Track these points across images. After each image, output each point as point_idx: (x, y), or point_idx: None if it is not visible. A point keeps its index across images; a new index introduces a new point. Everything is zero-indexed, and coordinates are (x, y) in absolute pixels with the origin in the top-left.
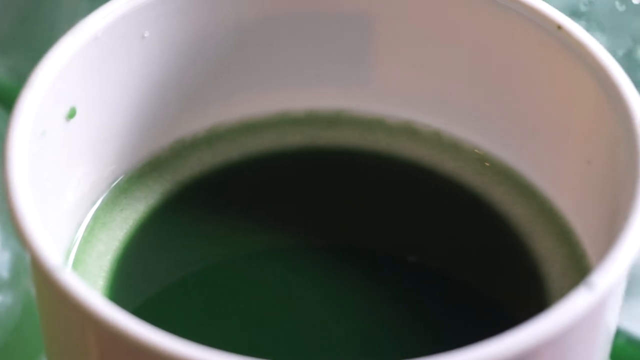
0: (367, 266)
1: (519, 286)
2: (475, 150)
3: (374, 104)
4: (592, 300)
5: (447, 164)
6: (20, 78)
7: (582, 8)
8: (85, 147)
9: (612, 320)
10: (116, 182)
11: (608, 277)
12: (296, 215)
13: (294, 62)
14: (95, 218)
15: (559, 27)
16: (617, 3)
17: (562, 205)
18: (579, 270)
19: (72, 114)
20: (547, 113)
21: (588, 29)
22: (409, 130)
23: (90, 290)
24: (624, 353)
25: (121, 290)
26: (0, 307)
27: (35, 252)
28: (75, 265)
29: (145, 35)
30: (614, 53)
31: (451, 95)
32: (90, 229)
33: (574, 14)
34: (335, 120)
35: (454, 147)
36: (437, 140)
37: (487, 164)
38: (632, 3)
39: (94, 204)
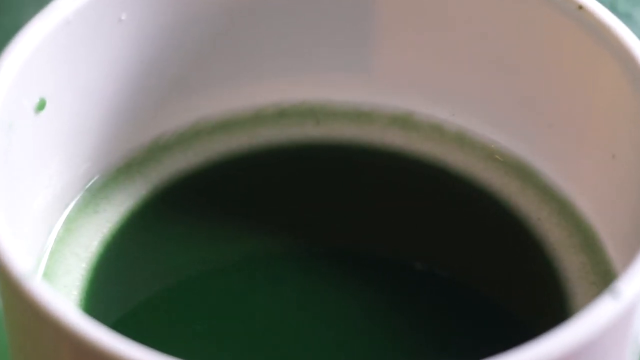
0: (369, 270)
1: (537, 293)
2: (487, 143)
3: (374, 93)
4: (618, 309)
5: (453, 157)
6: None
7: None
8: (57, 143)
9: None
10: (91, 182)
11: (635, 284)
12: (287, 216)
13: (286, 49)
14: (68, 221)
15: (580, 7)
16: None
17: (583, 204)
18: (602, 275)
19: (41, 105)
20: (566, 102)
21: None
22: (414, 122)
23: (63, 300)
24: None
25: (97, 301)
26: None
27: (2, 259)
28: (47, 274)
29: (122, 18)
30: None
31: (459, 84)
32: (63, 234)
33: None
34: (331, 111)
35: (462, 140)
36: (445, 132)
37: (498, 158)
38: None
39: (66, 206)
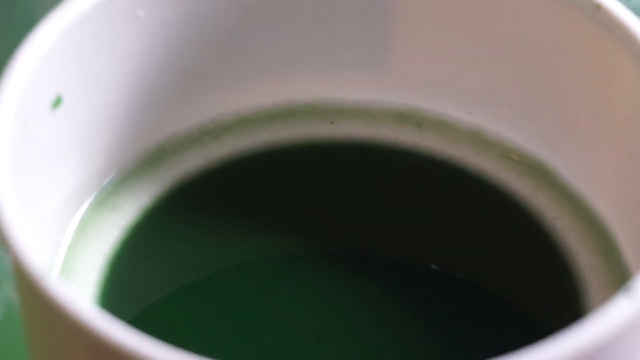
0: (382, 270)
1: (552, 294)
2: (503, 143)
3: (389, 92)
4: (634, 309)
5: (469, 157)
6: (1, 66)
7: None
8: (73, 140)
9: None
10: (107, 180)
11: None
12: (302, 215)
13: (302, 48)
14: (85, 219)
15: (598, 7)
16: None
17: (599, 204)
18: (617, 277)
19: (57, 102)
20: (583, 101)
21: None
22: (430, 121)
23: (79, 297)
24: None
25: (114, 298)
26: None
27: (19, 256)
28: (64, 271)
29: (140, 15)
30: None
31: (476, 83)
32: (79, 231)
33: None
34: (346, 110)
35: (478, 138)
36: (461, 131)
37: (514, 157)
38: None
39: (83, 203)
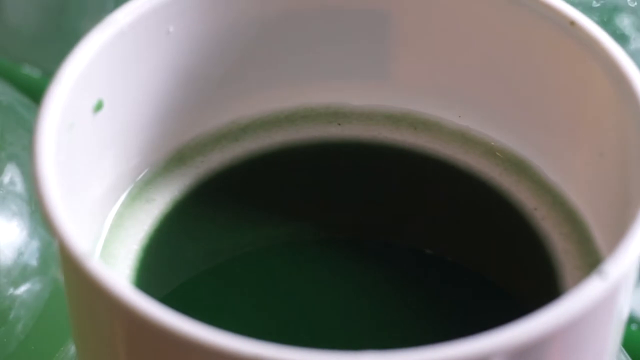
0: (382, 255)
1: (531, 276)
2: (489, 142)
3: (390, 97)
4: (605, 288)
5: (459, 155)
6: (49, 73)
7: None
8: (111, 140)
9: (624, 308)
10: (141, 175)
11: (620, 266)
12: (313, 208)
13: (312, 58)
14: (122, 209)
15: (572, 23)
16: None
17: (574, 196)
18: (589, 261)
19: (99, 106)
20: (560, 107)
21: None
22: (425, 123)
23: (117, 277)
24: (636, 339)
25: (147, 279)
26: (29, 293)
27: (63, 240)
28: (103, 256)
29: (170, 30)
30: None
31: (466, 89)
32: (117, 220)
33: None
34: (352, 114)
35: (467, 138)
36: (452, 132)
37: (498, 155)
38: None
39: (120, 196)
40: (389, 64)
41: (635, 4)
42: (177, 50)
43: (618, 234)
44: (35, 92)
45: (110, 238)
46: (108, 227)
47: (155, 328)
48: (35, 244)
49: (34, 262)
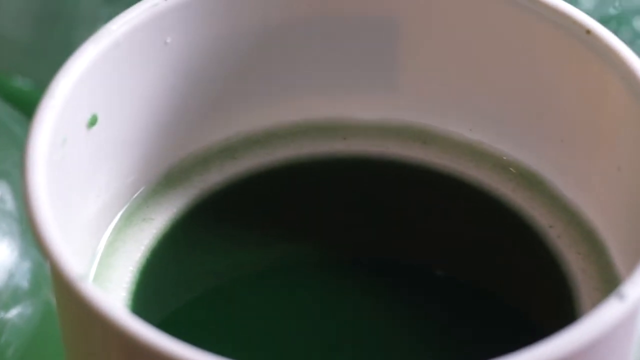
0: (391, 276)
1: (547, 298)
2: (501, 157)
3: (398, 111)
4: (624, 311)
5: (470, 170)
6: (41, 86)
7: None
8: (107, 156)
9: None
10: (138, 192)
11: (639, 287)
12: (317, 225)
13: (317, 70)
14: (117, 229)
15: (588, 32)
16: None
17: (590, 213)
18: (607, 281)
19: (93, 121)
20: (576, 119)
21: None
22: (435, 137)
23: (112, 301)
24: None
25: (144, 301)
26: (19, 317)
27: (56, 262)
28: (97, 277)
29: (167, 41)
30: None
31: (478, 103)
32: (112, 240)
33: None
34: (357, 127)
35: (478, 153)
36: (463, 146)
37: (511, 170)
38: None
39: (115, 214)
40: (396, 75)
41: None
42: (175, 62)
43: (637, 253)
44: (26, 105)
45: (106, 259)
46: (103, 248)
47: (152, 354)
48: (26, 265)
49: (25, 284)
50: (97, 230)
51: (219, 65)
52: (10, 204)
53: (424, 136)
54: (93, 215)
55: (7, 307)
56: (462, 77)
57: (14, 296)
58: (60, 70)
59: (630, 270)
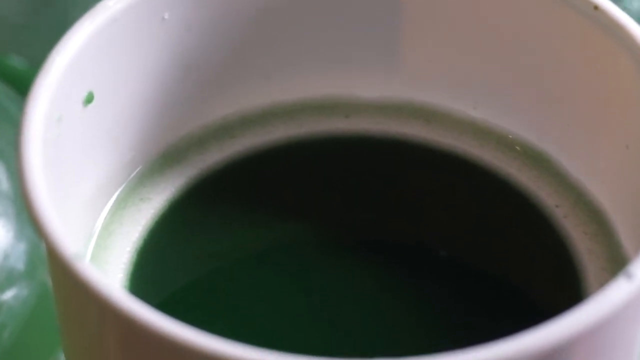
0: (394, 255)
1: (553, 278)
2: (506, 135)
3: (400, 88)
4: (632, 290)
5: (474, 148)
6: (36, 65)
7: None
8: (103, 134)
9: None
10: (135, 171)
11: None
12: (317, 204)
13: (318, 47)
14: (114, 208)
15: (596, 8)
16: None
17: (598, 193)
18: (614, 261)
19: (89, 99)
20: (583, 96)
21: None
22: (438, 115)
23: (109, 281)
24: None
25: (141, 282)
26: (15, 299)
27: (52, 241)
28: (94, 257)
29: (165, 17)
30: None
31: (482, 79)
32: (109, 220)
33: None
34: (359, 105)
35: (483, 131)
36: (466, 124)
37: (517, 148)
38: None
39: (112, 194)
40: (399, 52)
41: None
42: (173, 38)
43: None
44: (21, 84)
45: (102, 240)
46: (100, 228)
47: (149, 334)
48: (22, 246)
49: (20, 266)
50: (93, 210)
51: (218, 41)
52: (4, 183)
53: (426, 114)
54: (89, 195)
55: (2, 288)
56: (466, 54)
57: (9, 278)
58: (56, 46)
59: (638, 249)
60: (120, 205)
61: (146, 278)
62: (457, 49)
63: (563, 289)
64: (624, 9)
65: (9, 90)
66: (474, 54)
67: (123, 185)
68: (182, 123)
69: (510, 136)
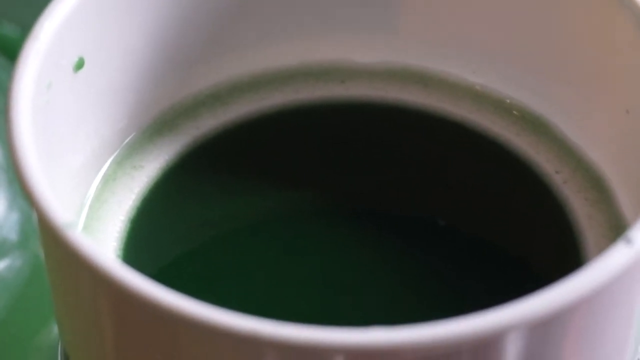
0: (391, 222)
1: (553, 245)
2: (504, 100)
3: (398, 53)
4: (632, 256)
5: (473, 113)
6: (26, 30)
7: None
8: (95, 101)
9: None
10: (128, 139)
11: None
12: (314, 171)
13: (312, 11)
14: (107, 177)
15: None
16: None
17: (599, 158)
18: (616, 228)
19: (79, 64)
20: (582, 60)
21: None
22: (435, 80)
23: (101, 250)
24: None
25: (135, 251)
26: (8, 270)
27: (42, 210)
28: (87, 226)
29: None
30: None
31: (479, 44)
32: (102, 189)
33: None
34: (356, 70)
35: (481, 96)
36: (464, 89)
37: (515, 113)
38: None
39: (104, 162)
40: (397, 16)
41: None
42: (165, 2)
43: None
44: (13, 52)
45: (95, 208)
46: (92, 196)
47: (142, 303)
48: (14, 217)
49: (13, 236)
50: (85, 179)
51: (212, 7)
52: None
53: (425, 79)
54: (81, 163)
55: None
56: (463, 19)
57: (1, 249)
58: (45, 11)
59: (638, 216)
60: (113, 173)
61: (140, 247)
62: (455, 15)
63: (563, 256)
64: None
65: (0, 58)
66: (471, 20)
67: (115, 153)
68: (175, 90)
69: (508, 100)
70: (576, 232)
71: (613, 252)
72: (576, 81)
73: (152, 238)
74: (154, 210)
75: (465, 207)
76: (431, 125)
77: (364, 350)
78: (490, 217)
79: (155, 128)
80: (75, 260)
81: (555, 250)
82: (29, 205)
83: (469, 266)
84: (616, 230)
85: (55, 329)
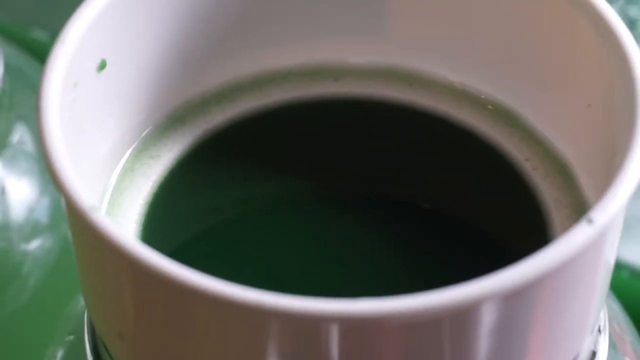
0: (379, 208)
1: (523, 225)
2: (480, 96)
3: (387, 54)
4: (593, 234)
5: (453, 110)
6: (54, 35)
7: None
8: (115, 98)
9: (611, 254)
10: (145, 132)
11: (607, 213)
12: (311, 164)
13: (309, 14)
14: (127, 166)
15: None
16: None
17: (564, 148)
18: (580, 211)
19: (102, 66)
20: (549, 61)
21: None
22: (419, 79)
23: (123, 231)
24: (629, 286)
25: (153, 233)
26: (40, 249)
27: (69, 195)
28: (109, 211)
29: None
30: None
31: (459, 45)
32: (122, 177)
33: None
34: (348, 70)
35: (460, 93)
36: (445, 87)
37: (490, 108)
38: None
39: (125, 153)
40: (384, 22)
41: None
42: (181, 9)
43: (605, 182)
44: (43, 55)
45: (116, 194)
46: (114, 184)
47: (161, 279)
48: (45, 201)
49: (44, 219)
50: (108, 167)
51: (221, 9)
52: (29, 145)
53: (409, 78)
54: (104, 154)
55: (28, 240)
56: (445, 24)
57: (34, 230)
58: (71, 18)
59: (599, 199)
60: (133, 162)
61: (157, 229)
62: (438, 19)
63: (532, 235)
64: None
65: (32, 60)
66: (452, 24)
67: (135, 144)
68: (187, 88)
69: (483, 96)
70: (544, 213)
71: (576, 230)
72: (544, 79)
73: (168, 221)
74: (169, 196)
75: (447, 192)
76: (415, 119)
77: (354, 317)
78: (469, 201)
79: (170, 122)
80: (98, 240)
81: (526, 230)
82: (58, 192)
83: (449, 244)
84: (580, 211)
85: (82, 301)
